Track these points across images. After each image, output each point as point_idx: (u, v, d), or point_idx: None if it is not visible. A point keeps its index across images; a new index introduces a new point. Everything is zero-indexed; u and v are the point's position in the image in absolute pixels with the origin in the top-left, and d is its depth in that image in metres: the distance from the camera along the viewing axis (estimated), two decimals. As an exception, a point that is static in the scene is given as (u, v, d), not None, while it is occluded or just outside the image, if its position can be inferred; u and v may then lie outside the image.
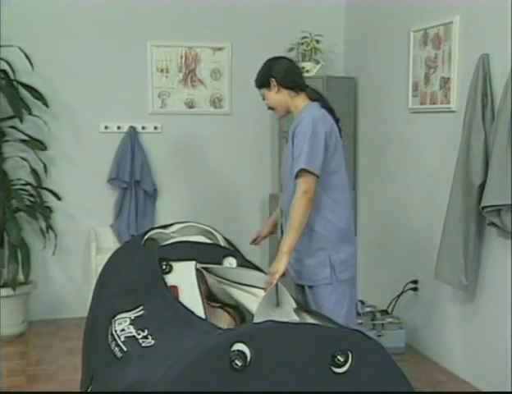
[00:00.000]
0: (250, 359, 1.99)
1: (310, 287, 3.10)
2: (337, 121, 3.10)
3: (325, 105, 3.09)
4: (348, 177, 3.15)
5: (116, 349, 2.38)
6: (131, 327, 2.43)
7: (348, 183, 3.14)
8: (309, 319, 2.54)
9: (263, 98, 3.18)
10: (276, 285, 2.76)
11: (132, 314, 2.51)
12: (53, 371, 4.12)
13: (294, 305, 2.62)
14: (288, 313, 2.57)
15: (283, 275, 2.90)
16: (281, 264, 2.87)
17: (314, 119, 2.96)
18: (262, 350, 2.01)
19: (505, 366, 3.61)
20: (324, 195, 3.01)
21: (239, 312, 2.91)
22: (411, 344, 4.49)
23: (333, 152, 2.99)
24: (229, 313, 2.89)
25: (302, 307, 2.66)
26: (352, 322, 3.16)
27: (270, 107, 3.19)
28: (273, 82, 3.08)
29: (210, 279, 2.93)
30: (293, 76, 3.10)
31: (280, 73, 3.08)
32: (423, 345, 4.43)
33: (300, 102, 3.09)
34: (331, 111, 3.09)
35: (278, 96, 3.10)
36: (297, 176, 2.93)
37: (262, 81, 3.13)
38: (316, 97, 3.13)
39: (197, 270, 2.86)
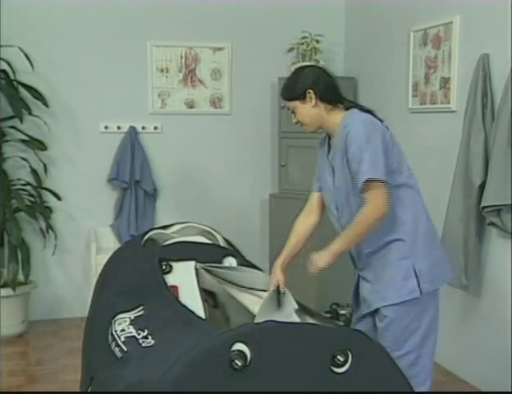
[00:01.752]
0: (250, 359, 1.99)
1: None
2: (381, 121, 2.78)
3: (363, 108, 2.75)
4: (414, 177, 2.88)
5: (117, 349, 2.38)
6: (131, 327, 2.43)
7: (416, 182, 2.85)
8: (310, 320, 2.54)
9: (292, 112, 2.77)
10: (278, 287, 2.75)
11: (132, 314, 2.51)
12: (53, 371, 4.12)
13: (296, 307, 2.62)
14: (289, 314, 2.57)
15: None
16: (323, 260, 2.59)
17: (363, 122, 2.62)
18: (262, 351, 2.01)
19: (505, 366, 3.61)
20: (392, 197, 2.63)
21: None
22: (411, 344, 4.48)
23: (392, 150, 2.67)
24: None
25: (304, 309, 2.66)
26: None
27: (297, 123, 2.80)
28: (310, 94, 2.67)
29: (210, 279, 2.93)
30: (334, 89, 2.73)
31: (320, 85, 2.68)
32: (423, 345, 4.42)
33: (338, 115, 2.70)
34: (371, 113, 2.77)
35: (314, 110, 2.70)
36: (363, 190, 2.55)
37: (297, 93, 2.69)
38: (350, 104, 2.77)
39: (197, 270, 2.86)
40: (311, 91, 2.67)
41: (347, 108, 2.73)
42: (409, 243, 2.67)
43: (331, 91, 2.71)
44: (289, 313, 2.58)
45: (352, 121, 2.62)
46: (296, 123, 2.81)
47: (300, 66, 2.91)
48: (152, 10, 5.19)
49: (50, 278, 5.17)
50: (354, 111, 2.70)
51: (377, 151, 2.55)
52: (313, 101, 2.68)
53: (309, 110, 2.70)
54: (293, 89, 2.71)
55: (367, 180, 2.52)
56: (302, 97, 2.68)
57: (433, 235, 2.82)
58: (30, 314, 4.89)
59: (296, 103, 2.71)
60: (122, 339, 2.40)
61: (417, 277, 2.69)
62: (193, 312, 2.45)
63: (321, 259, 2.60)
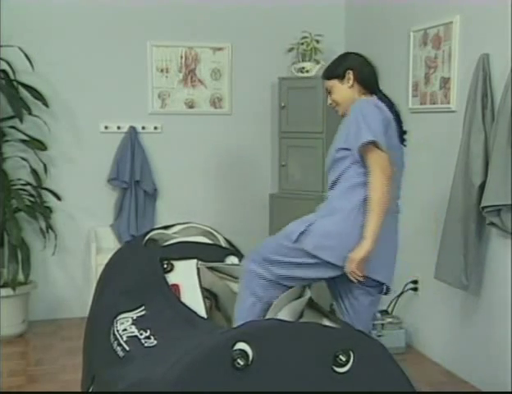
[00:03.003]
0: (252, 358, 2.00)
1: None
2: (400, 123, 2.89)
3: (386, 99, 2.88)
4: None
5: (119, 348, 2.38)
6: (133, 326, 2.44)
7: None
8: (321, 319, 2.55)
9: (329, 92, 2.92)
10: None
11: (134, 314, 2.52)
12: (53, 371, 4.12)
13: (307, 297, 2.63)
14: (295, 309, 2.57)
15: (364, 277, 2.66)
16: (361, 251, 2.58)
17: (367, 101, 2.76)
18: (264, 350, 2.02)
19: (505, 366, 3.62)
20: None
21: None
22: (411, 344, 4.49)
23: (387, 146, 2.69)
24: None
25: (316, 307, 2.68)
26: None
27: (332, 103, 2.94)
28: (349, 74, 2.84)
29: (211, 278, 2.93)
30: (371, 74, 2.90)
31: (360, 66, 2.85)
32: (423, 345, 4.43)
33: None
34: (396, 115, 2.88)
35: (349, 91, 2.85)
36: (363, 156, 2.66)
37: (337, 72, 2.86)
38: (380, 96, 2.89)
39: (198, 268, 2.87)
40: (350, 72, 2.83)
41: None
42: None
43: (369, 77, 2.88)
44: (296, 308, 2.58)
45: (359, 101, 2.77)
46: (330, 104, 2.95)
47: (346, 52, 3.05)
48: (152, 10, 5.19)
49: (50, 278, 5.17)
50: (373, 97, 2.83)
51: (376, 120, 2.66)
52: (351, 82, 2.84)
53: (345, 90, 2.85)
54: (335, 68, 2.88)
55: (368, 143, 2.61)
56: (341, 76, 2.85)
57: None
58: (30, 314, 4.89)
59: (334, 82, 2.87)
60: (124, 338, 2.41)
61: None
62: (194, 311, 2.46)
63: (358, 251, 2.60)
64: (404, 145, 2.94)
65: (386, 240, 2.71)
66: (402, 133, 2.91)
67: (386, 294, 2.81)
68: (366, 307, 2.80)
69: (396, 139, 2.84)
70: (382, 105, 2.78)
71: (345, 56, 2.94)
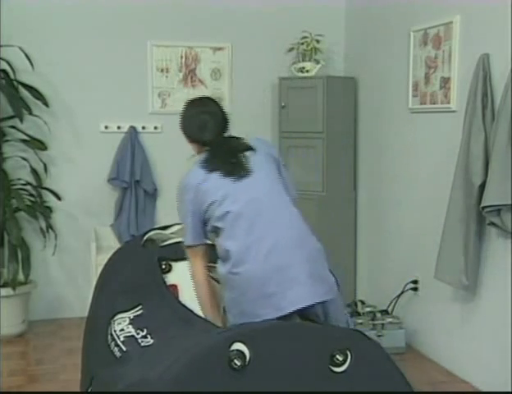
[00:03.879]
0: (249, 358, 2.00)
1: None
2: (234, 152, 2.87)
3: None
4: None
5: (116, 349, 2.38)
6: (130, 326, 2.44)
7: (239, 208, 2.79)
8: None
9: None
10: None
11: (131, 314, 2.52)
12: (53, 371, 4.12)
13: None
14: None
15: None
16: None
17: (177, 189, 2.93)
18: (261, 350, 2.02)
19: (505, 366, 3.61)
20: None
21: None
22: (411, 344, 4.49)
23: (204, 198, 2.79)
24: None
25: None
26: None
27: None
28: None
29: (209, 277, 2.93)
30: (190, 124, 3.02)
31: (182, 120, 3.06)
32: (423, 345, 4.43)
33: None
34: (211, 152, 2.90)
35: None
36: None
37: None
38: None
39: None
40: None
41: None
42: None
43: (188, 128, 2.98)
44: None
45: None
46: None
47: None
48: (152, 10, 5.19)
49: (50, 278, 5.17)
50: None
51: (184, 218, 2.77)
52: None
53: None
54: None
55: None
56: None
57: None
58: (30, 314, 4.89)
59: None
60: (121, 339, 2.41)
61: None
62: (192, 311, 2.46)
63: None
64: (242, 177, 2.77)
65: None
66: (235, 164, 2.79)
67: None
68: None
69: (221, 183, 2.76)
70: (189, 177, 2.84)
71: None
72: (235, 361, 1.97)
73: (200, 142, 2.88)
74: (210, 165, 2.76)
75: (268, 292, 2.47)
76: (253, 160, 2.78)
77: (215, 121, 2.88)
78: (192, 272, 2.77)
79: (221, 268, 2.66)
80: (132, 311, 2.52)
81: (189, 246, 2.79)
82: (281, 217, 2.67)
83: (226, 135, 2.90)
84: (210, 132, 2.84)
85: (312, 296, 2.51)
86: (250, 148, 2.84)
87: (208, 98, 3.03)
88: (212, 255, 2.95)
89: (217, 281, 2.88)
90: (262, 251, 2.54)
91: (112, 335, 2.46)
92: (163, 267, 2.92)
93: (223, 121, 2.92)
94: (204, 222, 2.75)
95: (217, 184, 2.72)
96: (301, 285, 2.50)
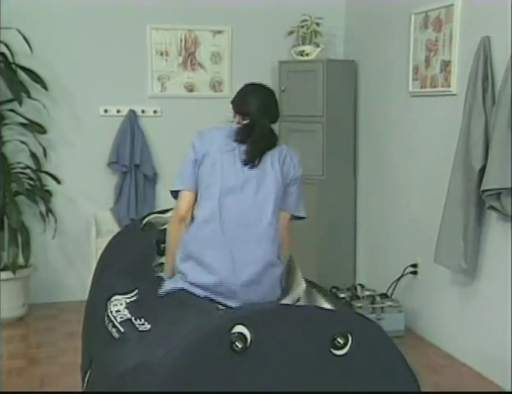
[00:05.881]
0: (250, 341, 2.00)
1: None
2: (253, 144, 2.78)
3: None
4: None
5: (114, 330, 2.39)
6: (126, 310, 2.45)
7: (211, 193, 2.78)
8: (321, 300, 2.56)
9: None
10: (290, 266, 2.76)
11: (127, 298, 2.53)
12: (54, 354, 4.14)
13: (304, 286, 2.63)
14: (296, 296, 2.58)
15: None
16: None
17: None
18: (262, 333, 2.02)
19: (505, 349, 3.63)
20: None
21: None
22: (410, 327, 4.51)
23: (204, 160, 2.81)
24: None
25: (316, 287, 2.68)
26: None
27: None
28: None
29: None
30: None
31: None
32: (423, 328, 4.44)
33: None
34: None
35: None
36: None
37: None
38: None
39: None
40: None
41: None
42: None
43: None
44: (296, 294, 2.59)
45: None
46: None
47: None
48: (151, -8, 5.16)
49: (50, 262, 5.18)
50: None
51: (184, 162, 2.83)
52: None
53: None
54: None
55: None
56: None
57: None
58: (31, 298, 4.90)
59: None
60: (118, 320, 2.42)
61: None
62: (188, 291, 2.46)
63: None
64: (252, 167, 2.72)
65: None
66: (252, 154, 2.73)
67: None
68: None
69: (231, 156, 2.73)
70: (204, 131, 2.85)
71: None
72: (237, 343, 1.98)
73: (246, 112, 2.85)
74: (233, 135, 2.75)
75: (219, 245, 2.54)
76: (269, 160, 2.74)
77: (270, 105, 2.90)
78: (170, 219, 2.79)
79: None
80: (128, 295, 2.53)
81: (173, 192, 2.79)
82: (255, 227, 2.63)
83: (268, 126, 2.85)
84: (261, 111, 2.83)
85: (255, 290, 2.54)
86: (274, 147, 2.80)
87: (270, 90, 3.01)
88: None
89: None
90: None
91: (108, 316, 2.47)
92: (162, 249, 2.93)
93: (275, 111, 2.93)
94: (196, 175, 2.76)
95: (223, 148, 2.72)
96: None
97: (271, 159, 2.73)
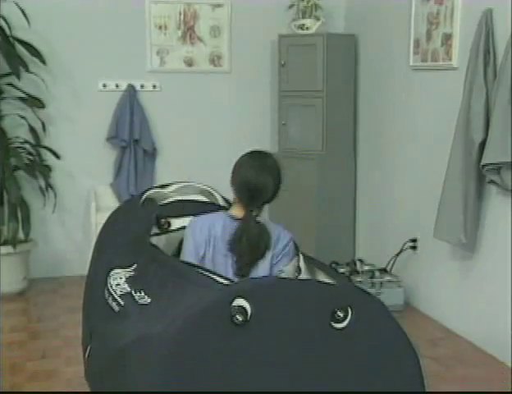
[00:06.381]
0: (251, 314, 2.01)
1: None
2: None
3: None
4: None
5: (114, 303, 2.40)
6: (126, 284, 2.46)
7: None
8: (321, 274, 2.56)
9: None
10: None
11: (127, 272, 2.53)
12: (54, 327, 4.16)
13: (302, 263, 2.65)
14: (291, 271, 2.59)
15: None
16: None
17: None
18: (262, 306, 2.03)
19: (504, 323, 3.64)
20: None
21: None
22: (410, 302, 4.52)
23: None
24: None
25: (315, 262, 2.68)
26: None
27: None
28: None
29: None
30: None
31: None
32: (422, 303, 4.46)
33: None
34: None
35: None
36: None
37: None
38: None
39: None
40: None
41: None
42: None
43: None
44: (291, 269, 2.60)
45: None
46: None
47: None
48: (150, -35, 5.10)
49: (50, 236, 5.19)
50: None
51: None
52: None
53: None
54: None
55: None
56: None
57: None
58: (31, 272, 4.91)
59: None
60: (118, 293, 2.43)
61: None
62: (193, 264, 2.47)
63: None
64: None
65: None
66: None
67: None
68: None
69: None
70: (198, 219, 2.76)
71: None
72: (237, 316, 1.98)
73: (239, 201, 2.71)
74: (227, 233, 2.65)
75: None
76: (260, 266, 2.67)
77: (265, 185, 2.68)
78: None
79: None
80: (128, 269, 2.53)
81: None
82: None
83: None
84: (254, 199, 2.67)
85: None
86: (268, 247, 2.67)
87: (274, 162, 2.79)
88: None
89: None
90: None
91: (108, 290, 2.48)
92: (162, 224, 2.93)
93: (272, 188, 2.69)
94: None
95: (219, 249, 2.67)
96: None
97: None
